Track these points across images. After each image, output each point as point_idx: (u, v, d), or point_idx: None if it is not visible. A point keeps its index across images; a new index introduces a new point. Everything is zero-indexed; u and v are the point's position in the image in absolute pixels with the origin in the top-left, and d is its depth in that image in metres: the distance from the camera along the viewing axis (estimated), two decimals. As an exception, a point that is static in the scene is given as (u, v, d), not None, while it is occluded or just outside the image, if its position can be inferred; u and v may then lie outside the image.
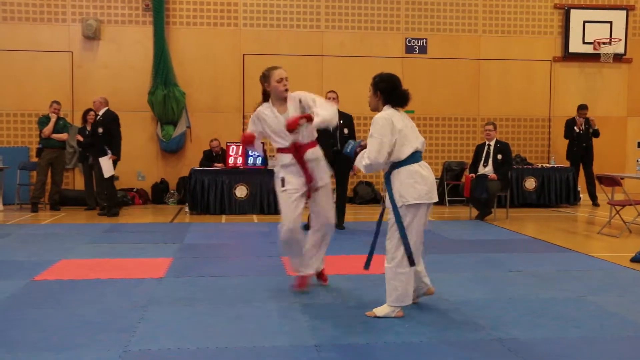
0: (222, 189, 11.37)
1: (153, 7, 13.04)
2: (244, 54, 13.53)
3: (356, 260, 7.00)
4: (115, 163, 11.04)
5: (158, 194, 13.18)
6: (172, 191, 13.19)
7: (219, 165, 11.84)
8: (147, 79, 13.06)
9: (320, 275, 5.78)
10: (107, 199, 11.03)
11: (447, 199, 12.92)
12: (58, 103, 11.95)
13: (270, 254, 7.34)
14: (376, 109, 4.98)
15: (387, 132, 4.70)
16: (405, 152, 4.74)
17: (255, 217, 10.98)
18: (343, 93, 13.67)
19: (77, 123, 12.45)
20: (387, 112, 4.84)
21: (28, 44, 12.96)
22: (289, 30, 13.66)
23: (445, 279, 6.02)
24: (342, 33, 13.80)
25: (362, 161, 4.82)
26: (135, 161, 13.33)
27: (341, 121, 8.98)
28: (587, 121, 13.05)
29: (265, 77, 5.75)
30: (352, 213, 11.93)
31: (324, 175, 5.56)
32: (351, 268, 6.53)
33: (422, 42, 14.01)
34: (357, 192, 13.50)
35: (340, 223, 9.32)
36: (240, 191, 11.40)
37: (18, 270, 6.33)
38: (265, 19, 13.59)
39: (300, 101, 5.69)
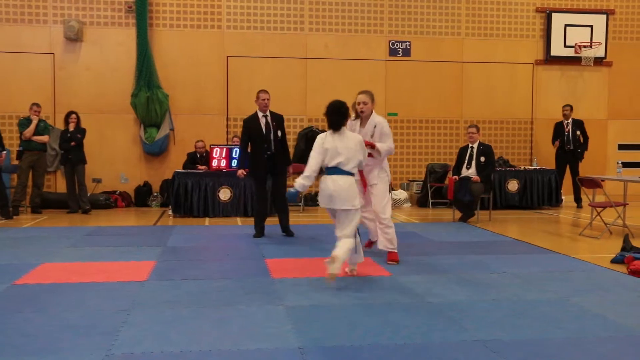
0: (206, 191, 11.33)
1: (136, 9, 12.98)
2: (227, 56, 13.51)
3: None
4: None
5: (141, 197, 13.11)
6: (155, 194, 13.13)
7: (202, 168, 11.80)
8: (130, 81, 13.00)
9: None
10: None
11: (430, 201, 12.96)
12: (38, 105, 11.85)
13: (254, 257, 7.32)
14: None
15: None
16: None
17: (239, 220, 10.95)
18: (327, 95, 13.67)
19: (60, 125, 12.35)
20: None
21: (9, 45, 12.84)
22: (273, 33, 13.65)
23: (428, 281, 6.05)
24: (326, 36, 13.82)
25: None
26: (118, 164, 13.25)
27: (274, 122, 8.85)
28: (576, 123, 13.16)
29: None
30: (336, 215, 11.91)
31: (372, 178, 6.92)
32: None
33: (406, 45, 14.07)
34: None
35: (286, 228, 9.09)
36: (224, 194, 11.37)
37: (-1, 274, 6.27)
38: (249, 22, 13.57)
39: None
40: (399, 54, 14.09)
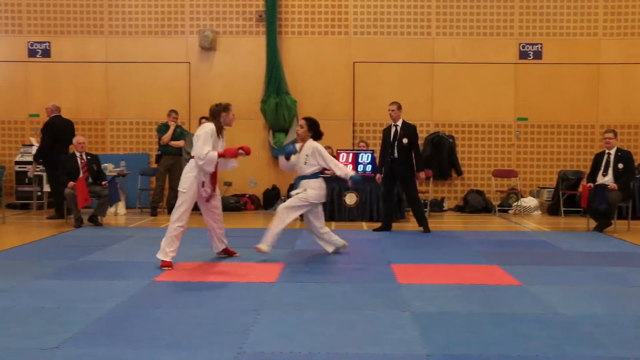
0: (332, 195, 11.44)
1: (266, 17, 13.39)
2: (354, 62, 13.61)
3: (466, 270, 6.88)
4: (50, 167, 11.28)
5: (269, 200, 13.46)
6: (283, 197, 13.43)
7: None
8: (259, 88, 13.40)
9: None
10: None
11: (562, 209, 12.42)
12: (176, 112, 12.47)
13: (380, 262, 7.33)
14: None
15: None
16: None
17: (364, 225, 11.00)
18: (454, 100, 13.53)
19: (194, 131, 12.90)
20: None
21: (149, 55, 13.63)
22: (400, 38, 13.62)
23: (560, 292, 5.81)
24: (453, 39, 13.61)
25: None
26: (248, 168, 13.65)
27: (402, 131, 9.85)
28: None
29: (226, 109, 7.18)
30: (463, 222, 11.74)
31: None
32: (461, 278, 6.42)
33: (537, 47, 13.58)
34: (467, 200, 13.24)
35: (424, 226, 9.96)
36: (350, 198, 11.45)
37: (139, 271, 6.64)
38: (375, 27, 13.62)
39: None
40: (530, 56, 13.63)
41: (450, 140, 13.45)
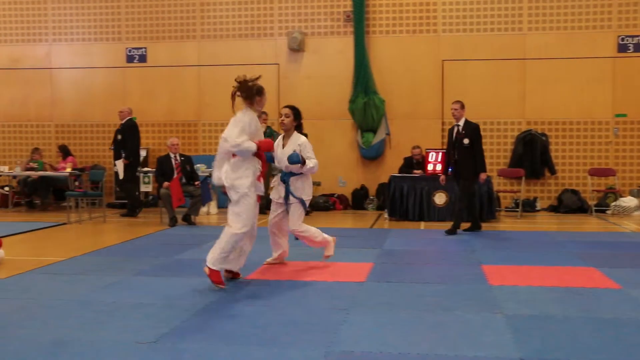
0: (421, 195, 11.35)
1: (354, 17, 13.40)
2: (442, 60, 13.43)
3: (561, 272, 6.66)
4: (133, 167, 12.07)
5: (358, 200, 13.48)
6: (371, 197, 13.43)
7: (418, 172, 11.84)
8: (347, 88, 13.43)
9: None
10: (127, 200, 12.29)
11: (666, 209, 11.83)
12: (266, 113, 12.63)
13: (470, 262, 7.20)
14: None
15: None
16: None
17: (453, 225, 10.83)
18: (547, 97, 13.12)
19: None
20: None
21: (240, 58, 13.90)
22: (489, 34, 13.32)
23: (665, 297, 5.53)
24: (546, 34, 13.19)
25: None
26: (336, 168, 13.74)
27: (463, 132, 9.48)
28: None
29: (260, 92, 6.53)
30: (557, 222, 11.37)
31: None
32: (557, 280, 6.22)
33: (638, 39, 12.97)
34: (561, 200, 12.80)
35: (453, 226, 9.62)
36: (439, 198, 11.31)
37: (231, 269, 6.79)
38: (464, 24, 13.38)
39: None
40: (630, 49, 13.03)
41: (543, 138, 13.05)
